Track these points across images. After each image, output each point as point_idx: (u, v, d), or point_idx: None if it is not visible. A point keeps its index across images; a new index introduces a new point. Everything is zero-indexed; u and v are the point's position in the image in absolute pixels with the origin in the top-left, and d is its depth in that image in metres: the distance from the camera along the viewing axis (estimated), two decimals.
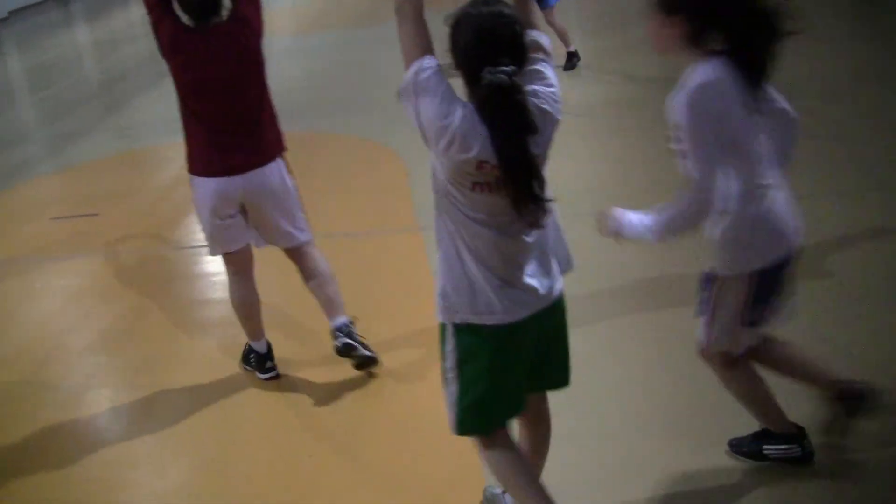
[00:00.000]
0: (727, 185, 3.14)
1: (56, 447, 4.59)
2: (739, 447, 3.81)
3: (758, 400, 3.66)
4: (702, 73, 3.08)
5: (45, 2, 25.03)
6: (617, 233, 3.29)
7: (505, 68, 2.65)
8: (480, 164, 2.73)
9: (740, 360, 3.55)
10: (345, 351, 4.66)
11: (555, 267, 3.04)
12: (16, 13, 23.11)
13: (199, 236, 6.12)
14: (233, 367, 5.08)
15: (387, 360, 4.85)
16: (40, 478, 4.34)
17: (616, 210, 3.29)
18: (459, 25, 2.78)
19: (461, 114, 2.71)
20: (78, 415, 4.90)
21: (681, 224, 3.19)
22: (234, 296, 4.85)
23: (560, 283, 3.05)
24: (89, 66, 16.93)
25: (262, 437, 4.51)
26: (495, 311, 2.91)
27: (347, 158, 8.81)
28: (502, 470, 3.15)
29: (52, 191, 8.09)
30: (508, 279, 2.91)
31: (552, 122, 2.82)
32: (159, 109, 11.17)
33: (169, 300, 6.21)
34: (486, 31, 2.73)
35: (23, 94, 14.51)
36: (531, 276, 2.95)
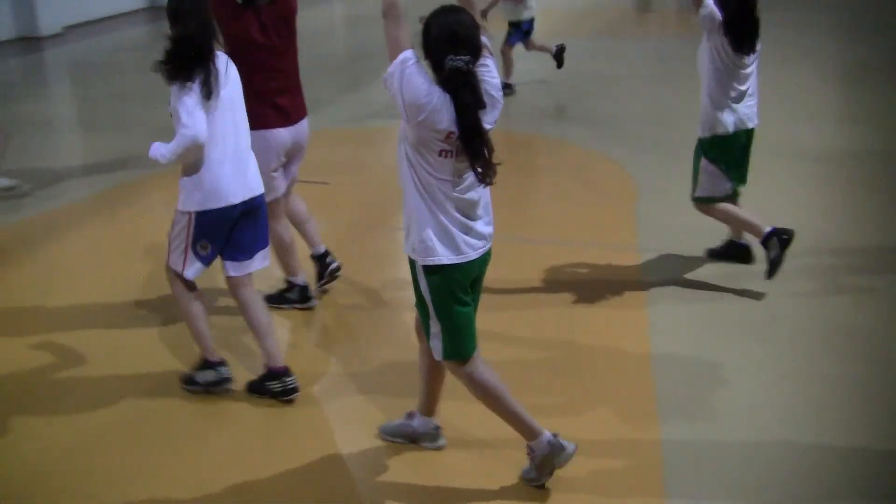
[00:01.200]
0: None
1: None
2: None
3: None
4: None
5: None
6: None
7: (463, 57, 3.58)
8: (448, 135, 3.62)
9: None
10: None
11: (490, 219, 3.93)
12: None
13: None
14: None
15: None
16: None
17: None
18: (430, 25, 3.65)
19: (438, 93, 3.59)
20: None
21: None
22: (285, 237, 5.74)
23: (491, 238, 3.93)
24: (342, 39, 17.69)
25: None
26: (462, 252, 3.80)
27: (574, 167, 8.95)
28: (485, 384, 3.97)
29: None
30: (465, 228, 3.80)
31: (497, 104, 3.77)
32: None
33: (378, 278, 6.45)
34: (451, 30, 3.60)
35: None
36: (481, 225, 3.87)
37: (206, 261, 4.68)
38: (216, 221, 4.59)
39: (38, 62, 15.82)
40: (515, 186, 8.07)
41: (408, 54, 3.65)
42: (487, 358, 4.04)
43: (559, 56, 12.05)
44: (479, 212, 3.85)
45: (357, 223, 7.54)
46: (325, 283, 6.11)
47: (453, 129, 3.60)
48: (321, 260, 6.07)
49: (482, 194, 3.84)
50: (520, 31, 11.60)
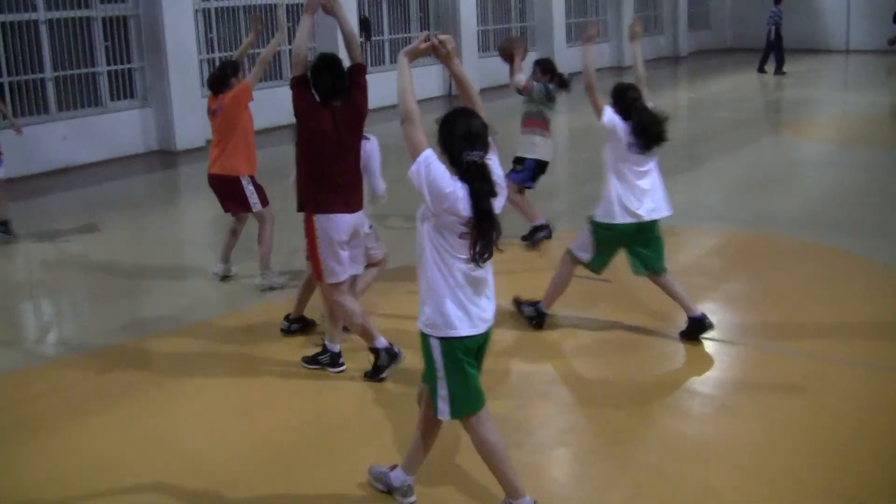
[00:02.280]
0: None
1: None
2: None
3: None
4: None
5: (601, 70, 26.90)
6: None
7: (479, 152, 4.29)
8: (469, 220, 4.27)
9: None
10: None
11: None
12: (574, 75, 24.61)
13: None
14: None
15: None
16: None
17: None
18: (448, 125, 4.36)
19: (459, 184, 4.25)
20: None
21: None
22: (341, 313, 6.55)
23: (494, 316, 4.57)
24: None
25: None
26: (475, 325, 4.43)
27: (858, 281, 8.54)
28: (490, 439, 4.56)
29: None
30: (476, 303, 4.43)
31: (503, 192, 4.40)
32: (680, 194, 11.29)
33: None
34: (467, 129, 4.31)
35: (563, 154, 15.24)
36: (487, 301, 4.51)
37: None
38: None
39: None
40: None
41: (429, 152, 4.31)
42: None
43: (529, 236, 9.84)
44: (487, 289, 4.49)
45: (638, 322, 7.53)
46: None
47: (470, 214, 4.26)
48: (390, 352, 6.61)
49: (489, 273, 4.48)
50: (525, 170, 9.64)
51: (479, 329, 4.46)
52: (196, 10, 17.94)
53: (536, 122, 9.56)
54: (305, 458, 5.50)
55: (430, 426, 4.77)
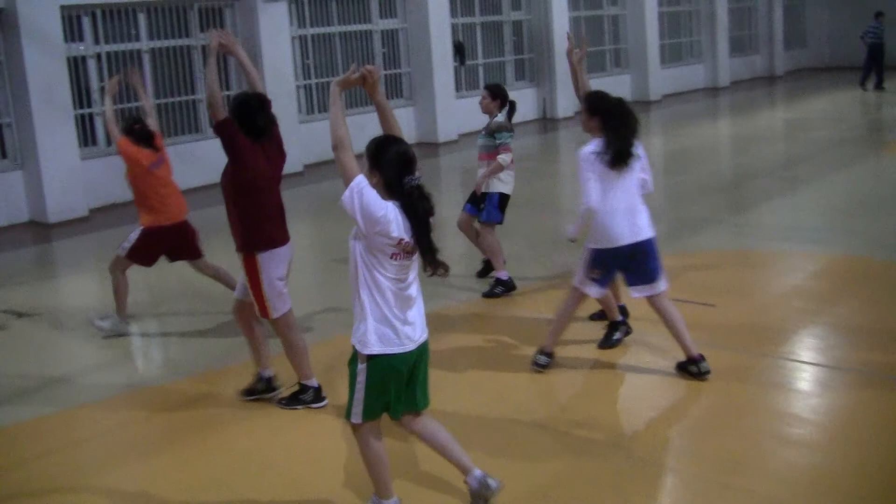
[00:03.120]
0: None
1: None
2: None
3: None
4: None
5: (696, 91, 28.31)
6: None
7: (417, 177, 4.57)
8: (400, 241, 4.53)
9: None
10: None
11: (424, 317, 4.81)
12: (668, 97, 26.90)
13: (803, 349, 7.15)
14: None
15: None
16: None
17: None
18: (384, 152, 4.60)
19: (391, 207, 4.50)
20: None
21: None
22: (300, 344, 6.60)
23: (426, 330, 4.80)
24: (724, 159, 17.69)
25: None
26: (402, 344, 4.64)
27: None
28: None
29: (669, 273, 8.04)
30: (406, 321, 4.64)
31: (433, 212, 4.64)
32: (780, 217, 11.86)
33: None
34: (405, 155, 4.59)
35: (658, 177, 14.89)
36: (417, 319, 4.72)
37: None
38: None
39: (434, 165, 18.34)
40: None
41: (360, 178, 4.51)
42: None
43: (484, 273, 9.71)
44: (416, 308, 4.72)
45: (744, 347, 7.38)
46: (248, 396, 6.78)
47: (403, 236, 4.52)
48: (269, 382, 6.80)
49: (418, 293, 4.75)
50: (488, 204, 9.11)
51: (407, 348, 4.67)
52: (293, 37, 18.24)
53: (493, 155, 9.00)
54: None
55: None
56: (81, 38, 15.59)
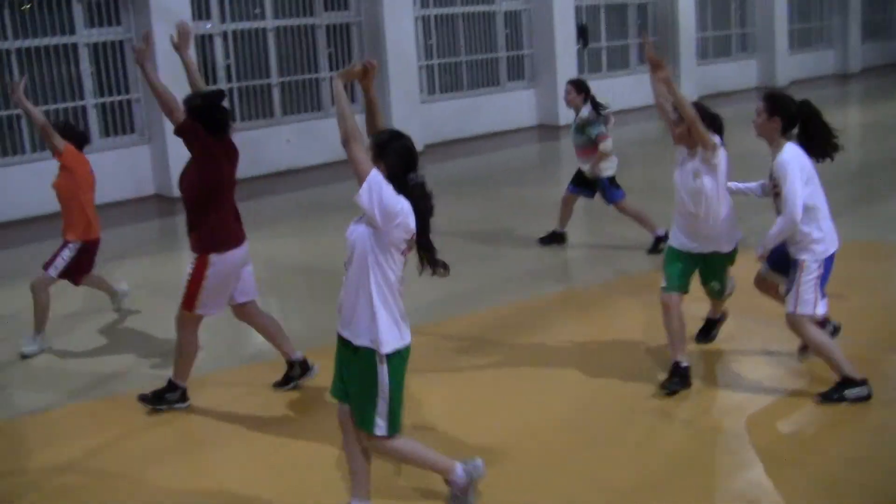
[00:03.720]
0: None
1: None
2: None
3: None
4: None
5: (824, 77, 27.77)
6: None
7: (420, 173, 4.55)
8: (413, 235, 4.49)
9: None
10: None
11: None
12: (796, 83, 26.13)
13: None
14: None
15: None
16: None
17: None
18: (392, 147, 4.53)
19: (406, 202, 4.43)
20: None
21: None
22: (192, 345, 6.43)
23: None
24: (854, 148, 16.41)
25: None
26: (405, 337, 4.60)
27: None
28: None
29: None
30: (403, 315, 4.61)
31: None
32: None
33: None
34: (409, 153, 4.57)
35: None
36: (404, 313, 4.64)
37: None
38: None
39: (554, 148, 18.59)
40: None
41: (375, 173, 4.38)
42: None
43: None
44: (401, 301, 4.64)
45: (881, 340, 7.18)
46: (284, 386, 6.72)
47: (414, 230, 4.49)
48: (303, 365, 6.73)
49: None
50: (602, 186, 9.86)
51: (409, 342, 4.65)
52: (416, 17, 18.28)
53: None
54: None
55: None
56: (209, 17, 15.87)
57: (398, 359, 4.57)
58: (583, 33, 21.07)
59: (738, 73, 25.54)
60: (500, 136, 19.56)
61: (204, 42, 15.74)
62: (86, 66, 14.65)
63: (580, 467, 5.36)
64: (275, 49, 16.74)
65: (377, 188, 4.33)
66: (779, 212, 5.94)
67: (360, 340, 4.53)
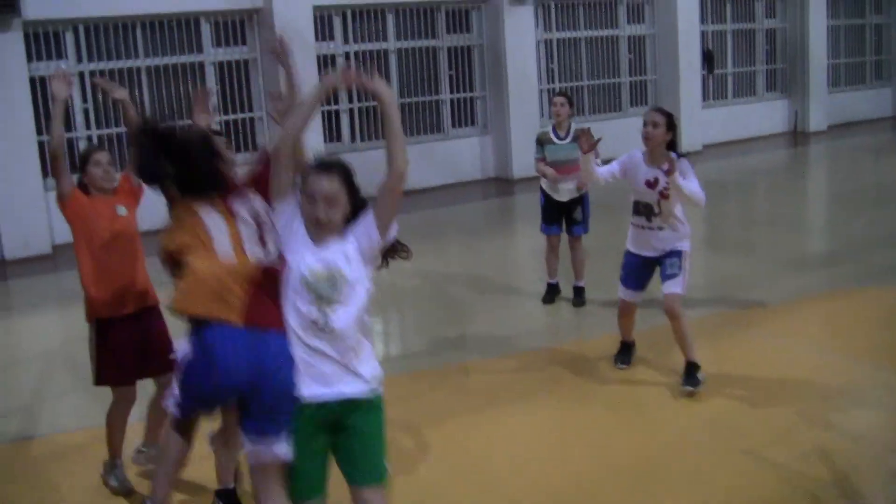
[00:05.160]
0: None
1: None
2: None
3: None
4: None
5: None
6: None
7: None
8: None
9: None
10: None
11: None
12: None
13: None
14: None
15: None
16: None
17: None
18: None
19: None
20: None
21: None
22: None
23: None
24: None
25: None
26: None
27: None
28: None
29: None
30: None
31: None
32: None
33: None
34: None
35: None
36: None
37: None
38: None
39: None
40: None
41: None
42: None
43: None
44: None
45: None
46: None
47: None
48: None
49: None
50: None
51: None
52: (538, 41, 18.15)
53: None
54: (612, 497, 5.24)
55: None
56: (332, 38, 16.02)
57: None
58: (709, 59, 20.67)
59: (872, 102, 24.71)
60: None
61: (327, 62, 15.87)
62: (212, 84, 14.92)
63: None
64: (396, 70, 16.81)
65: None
66: (662, 213, 6.61)
67: (370, 386, 3.87)
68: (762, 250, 10.86)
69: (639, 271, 6.88)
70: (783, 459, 5.40)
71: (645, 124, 6.60)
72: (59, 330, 9.61)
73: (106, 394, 5.53)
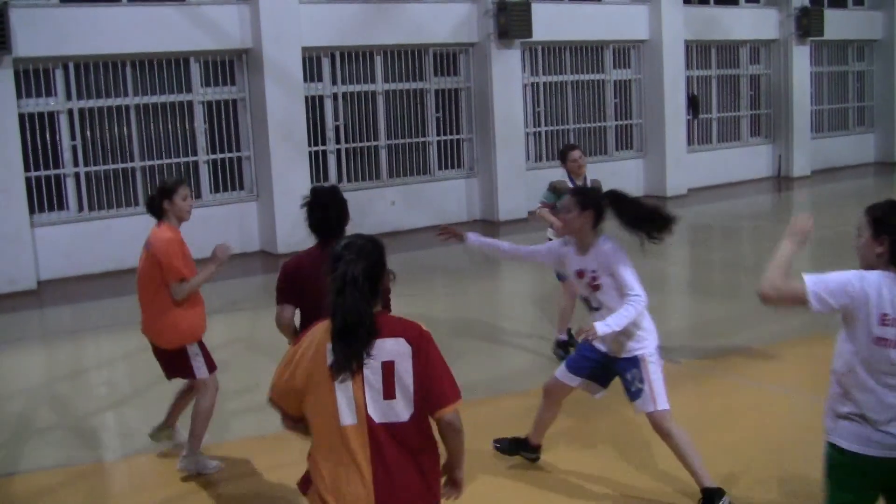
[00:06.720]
0: None
1: None
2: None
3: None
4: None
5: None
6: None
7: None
8: None
9: None
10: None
11: None
12: None
13: None
14: None
15: None
16: None
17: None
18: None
19: None
20: None
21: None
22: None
23: None
24: None
25: None
26: None
27: None
28: None
29: None
30: None
31: None
32: None
33: None
34: None
35: None
36: None
37: None
38: None
39: None
40: None
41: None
42: None
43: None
44: None
45: None
46: None
47: None
48: None
49: None
50: None
51: None
52: (525, 84, 18.29)
53: None
54: None
55: None
56: (321, 79, 16.13)
57: None
58: (693, 104, 20.85)
59: (855, 148, 24.91)
60: None
61: (315, 102, 15.98)
62: (200, 124, 15.01)
63: None
64: (384, 112, 16.92)
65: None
66: (593, 304, 5.74)
67: None
68: (746, 294, 10.91)
69: (590, 362, 5.88)
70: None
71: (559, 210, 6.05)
72: (42, 366, 9.59)
73: (88, 431, 5.54)
